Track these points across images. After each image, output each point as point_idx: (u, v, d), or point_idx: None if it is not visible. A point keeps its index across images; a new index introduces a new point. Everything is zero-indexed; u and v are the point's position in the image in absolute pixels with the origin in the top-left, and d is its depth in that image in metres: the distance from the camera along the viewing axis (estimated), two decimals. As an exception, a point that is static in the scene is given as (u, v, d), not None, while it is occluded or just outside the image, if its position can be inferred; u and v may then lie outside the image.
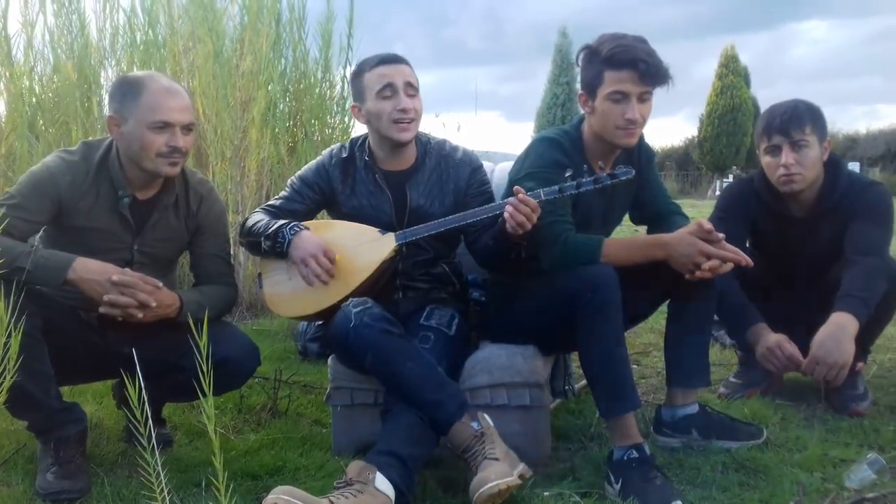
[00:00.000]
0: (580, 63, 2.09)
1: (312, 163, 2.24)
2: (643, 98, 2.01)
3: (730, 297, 2.24)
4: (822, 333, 2.11)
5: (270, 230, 2.04)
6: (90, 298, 1.84)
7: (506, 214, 1.86)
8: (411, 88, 2.08)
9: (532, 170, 2.05)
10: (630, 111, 1.99)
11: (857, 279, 2.20)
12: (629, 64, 1.97)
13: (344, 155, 2.19)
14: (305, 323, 3.20)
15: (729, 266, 1.92)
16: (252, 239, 2.10)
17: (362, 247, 2.03)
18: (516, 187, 1.89)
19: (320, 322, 2.23)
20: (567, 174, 1.91)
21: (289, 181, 2.24)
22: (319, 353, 3.07)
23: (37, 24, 4.05)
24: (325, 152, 2.25)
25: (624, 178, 1.92)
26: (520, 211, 1.84)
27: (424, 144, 2.21)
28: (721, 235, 1.93)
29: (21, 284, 1.70)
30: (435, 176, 2.17)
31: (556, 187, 1.90)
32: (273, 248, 2.04)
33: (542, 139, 2.11)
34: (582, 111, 2.14)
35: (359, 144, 2.21)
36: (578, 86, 2.16)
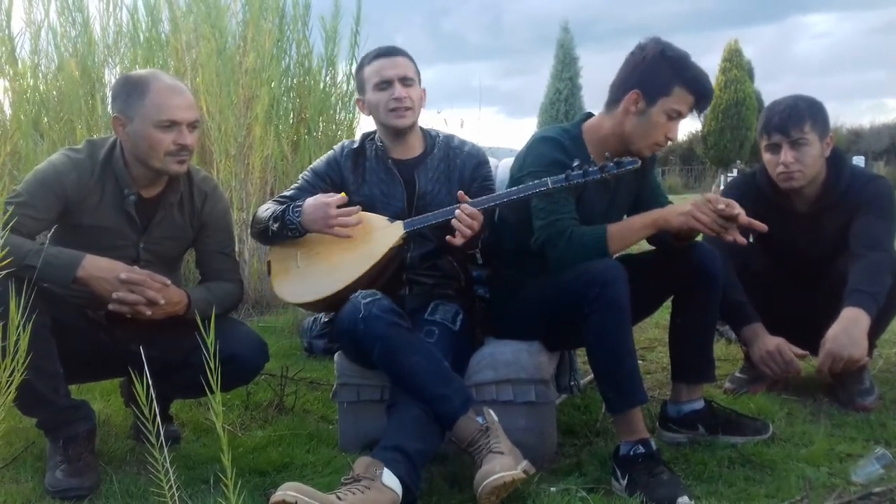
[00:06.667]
0: (646, 60, 2.03)
1: (324, 156, 2.30)
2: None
3: (728, 293, 2.23)
4: (836, 329, 2.09)
5: (277, 214, 2.11)
6: (98, 296, 1.84)
7: (453, 223, 1.92)
8: (407, 80, 2.14)
9: (533, 169, 2.03)
10: (674, 131, 2.04)
11: (864, 274, 2.18)
12: (702, 93, 2.02)
13: (354, 146, 2.26)
14: (311, 319, 3.21)
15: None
16: (261, 226, 2.15)
17: (372, 234, 2.07)
18: (460, 192, 1.98)
19: (326, 320, 2.23)
20: (574, 164, 1.92)
21: (301, 175, 2.29)
22: (325, 350, 3.08)
23: (42, 23, 4.07)
24: (337, 146, 2.31)
25: (630, 167, 1.92)
26: (462, 222, 1.91)
27: (433, 138, 2.27)
28: (723, 202, 1.91)
29: (31, 282, 1.70)
30: (443, 165, 2.22)
31: (563, 175, 1.92)
32: (282, 230, 2.09)
33: (543, 139, 2.09)
34: (613, 108, 2.08)
35: (370, 137, 2.28)
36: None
